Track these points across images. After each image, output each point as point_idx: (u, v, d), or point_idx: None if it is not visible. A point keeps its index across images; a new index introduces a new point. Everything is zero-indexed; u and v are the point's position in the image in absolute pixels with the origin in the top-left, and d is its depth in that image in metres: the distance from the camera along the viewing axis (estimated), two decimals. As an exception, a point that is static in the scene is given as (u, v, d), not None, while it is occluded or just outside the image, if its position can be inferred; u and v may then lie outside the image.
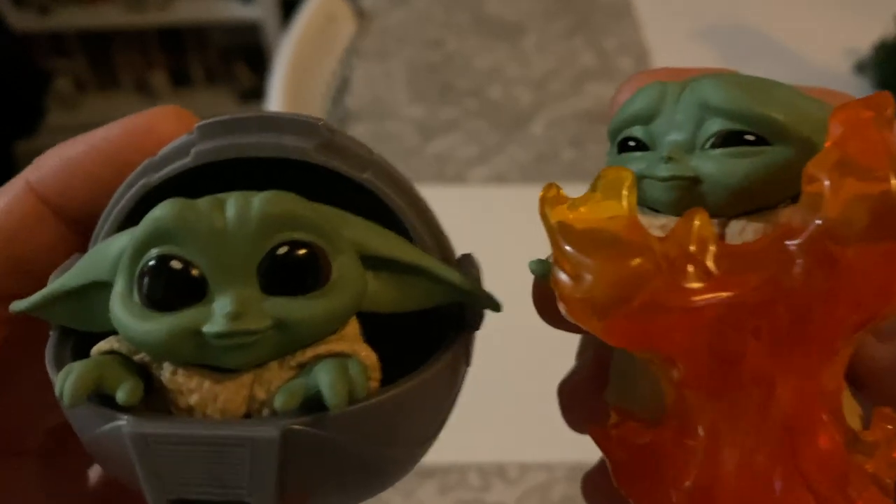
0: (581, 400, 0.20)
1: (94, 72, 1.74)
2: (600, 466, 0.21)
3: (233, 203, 0.14)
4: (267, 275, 0.14)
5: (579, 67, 0.83)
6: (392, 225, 0.16)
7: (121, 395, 0.13)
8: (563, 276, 0.14)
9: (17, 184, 0.17)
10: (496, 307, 0.16)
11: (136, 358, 0.14)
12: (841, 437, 0.14)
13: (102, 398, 0.14)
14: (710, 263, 0.14)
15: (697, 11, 0.89)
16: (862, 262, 0.13)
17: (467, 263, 0.17)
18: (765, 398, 0.14)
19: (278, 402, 0.13)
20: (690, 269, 0.14)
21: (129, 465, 0.13)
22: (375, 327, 0.15)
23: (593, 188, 0.15)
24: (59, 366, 0.15)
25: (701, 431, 0.14)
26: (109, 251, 0.15)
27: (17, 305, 0.15)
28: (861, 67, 0.75)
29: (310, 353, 0.14)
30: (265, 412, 0.14)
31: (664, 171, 0.15)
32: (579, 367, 0.21)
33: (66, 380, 0.13)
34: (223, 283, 0.14)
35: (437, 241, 0.16)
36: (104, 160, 0.17)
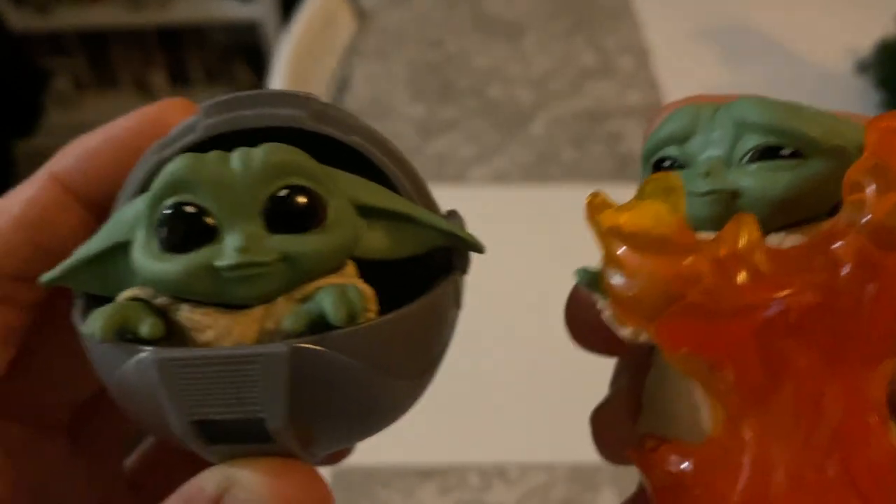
0: (616, 429, 0.20)
1: (93, 71, 1.74)
2: (636, 497, 0.20)
3: (237, 155, 0.16)
4: (270, 215, 0.15)
5: (579, 67, 0.83)
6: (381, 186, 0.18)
7: (144, 329, 0.15)
8: (616, 279, 0.15)
9: (41, 174, 0.19)
10: (479, 248, 0.18)
11: (156, 302, 0.16)
12: (892, 443, 0.14)
13: (127, 341, 0.16)
14: (759, 264, 0.14)
15: (697, 11, 0.89)
16: None
17: (452, 216, 0.19)
18: (813, 405, 0.14)
19: (286, 324, 0.15)
20: (741, 268, 0.14)
21: (152, 397, 0.15)
22: (374, 281, 0.17)
23: (640, 194, 0.15)
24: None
25: (749, 443, 0.14)
26: (128, 214, 0.17)
27: (46, 277, 0.17)
28: (862, 67, 0.75)
29: (313, 286, 0.16)
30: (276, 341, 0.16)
31: (703, 185, 0.15)
32: (613, 396, 0.21)
33: (96, 319, 0.15)
34: (232, 225, 0.15)
35: (422, 195, 0.18)
36: (120, 147, 0.19)
